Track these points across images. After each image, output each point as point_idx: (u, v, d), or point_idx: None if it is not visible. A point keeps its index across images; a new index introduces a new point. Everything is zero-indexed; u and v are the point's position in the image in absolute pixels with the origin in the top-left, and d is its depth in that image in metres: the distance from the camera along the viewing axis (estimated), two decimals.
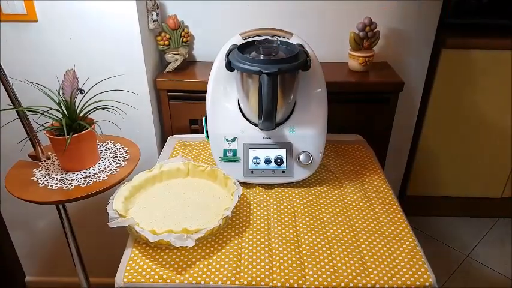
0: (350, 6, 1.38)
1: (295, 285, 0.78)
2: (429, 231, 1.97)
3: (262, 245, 0.87)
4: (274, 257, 0.84)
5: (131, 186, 0.98)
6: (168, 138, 1.32)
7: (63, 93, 1.01)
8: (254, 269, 0.81)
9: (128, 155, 1.12)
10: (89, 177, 1.03)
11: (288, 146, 1.06)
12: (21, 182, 1.02)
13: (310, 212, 0.97)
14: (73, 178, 1.02)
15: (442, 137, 1.81)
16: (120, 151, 1.14)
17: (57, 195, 0.97)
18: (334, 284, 0.78)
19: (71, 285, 1.70)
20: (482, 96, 1.71)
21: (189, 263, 0.82)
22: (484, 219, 2.04)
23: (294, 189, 1.05)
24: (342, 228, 0.92)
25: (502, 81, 1.67)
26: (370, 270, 0.81)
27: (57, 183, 1.01)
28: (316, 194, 1.04)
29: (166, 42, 1.35)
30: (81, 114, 1.03)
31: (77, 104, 1.03)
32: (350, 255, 0.84)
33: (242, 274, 0.80)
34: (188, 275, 0.80)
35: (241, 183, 1.02)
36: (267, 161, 1.05)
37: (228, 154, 1.06)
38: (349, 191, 1.05)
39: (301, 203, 1.00)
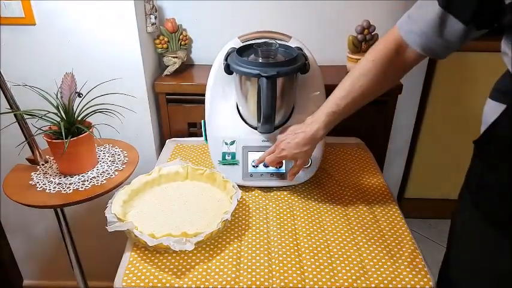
0: (348, 9, 1.38)
1: None
2: (428, 233, 1.97)
3: (262, 248, 0.87)
4: (273, 260, 0.84)
5: (130, 189, 0.98)
6: (167, 141, 1.31)
7: (62, 97, 1.01)
8: (253, 273, 0.81)
9: (127, 159, 1.12)
10: (88, 180, 1.03)
11: None
12: (20, 186, 1.01)
13: (309, 215, 0.97)
14: (71, 182, 1.02)
15: (441, 140, 1.82)
16: (119, 155, 1.14)
17: (55, 199, 0.97)
18: (333, 287, 0.78)
19: None
20: (481, 98, 1.69)
21: (188, 266, 0.82)
22: None
23: (293, 192, 1.05)
24: (342, 231, 0.92)
25: None
26: (370, 273, 0.81)
27: (55, 187, 1.00)
28: (315, 197, 1.04)
29: (165, 46, 1.35)
30: (79, 118, 1.03)
31: (75, 108, 1.02)
32: (350, 258, 0.84)
33: (241, 278, 0.80)
34: (187, 279, 0.79)
35: (240, 186, 1.01)
36: (266, 164, 1.05)
37: (226, 157, 1.06)
38: (348, 193, 1.05)
39: (300, 206, 1.00)
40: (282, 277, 0.80)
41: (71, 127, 1.01)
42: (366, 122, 1.38)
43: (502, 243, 0.68)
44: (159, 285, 0.78)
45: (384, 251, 0.86)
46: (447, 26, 0.69)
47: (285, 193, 1.05)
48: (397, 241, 0.89)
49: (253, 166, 1.05)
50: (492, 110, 0.68)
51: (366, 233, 0.91)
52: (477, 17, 0.65)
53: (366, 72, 0.82)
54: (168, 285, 0.78)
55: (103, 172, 1.06)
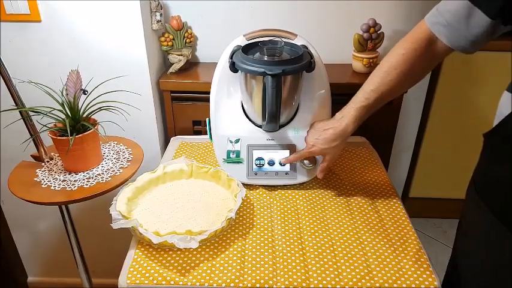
0: (354, 7, 1.38)
1: None
2: (431, 233, 1.96)
3: (266, 247, 0.86)
4: (278, 259, 0.84)
5: (134, 187, 0.98)
6: (171, 139, 1.31)
7: (67, 94, 1.01)
8: (258, 271, 0.80)
9: (131, 156, 1.12)
10: (92, 178, 1.03)
11: (291, 148, 1.05)
12: (24, 183, 1.02)
13: (314, 214, 0.96)
14: (76, 179, 1.02)
15: (445, 139, 1.81)
16: (124, 152, 1.14)
17: (60, 196, 0.97)
18: (338, 286, 0.78)
19: (73, 286, 1.70)
20: (485, 98, 1.71)
21: (192, 264, 0.82)
22: None
23: (298, 191, 1.05)
24: (346, 231, 0.91)
25: (503, 82, 1.66)
26: (374, 273, 0.80)
27: (60, 184, 1.00)
28: (320, 195, 1.03)
29: (170, 43, 1.35)
30: (84, 115, 1.03)
31: (80, 105, 1.03)
32: (354, 258, 0.84)
33: (246, 276, 0.79)
34: (192, 277, 0.79)
35: (244, 184, 1.01)
36: (271, 163, 1.04)
37: (231, 155, 1.06)
38: (353, 192, 1.04)
39: (305, 204, 1.00)
40: (286, 275, 0.79)
41: (76, 124, 1.01)
42: (371, 121, 1.37)
43: (506, 235, 0.67)
44: (163, 282, 0.78)
45: (389, 250, 0.86)
46: (473, 19, 0.69)
47: (290, 192, 1.04)
48: (402, 240, 0.89)
49: (281, 164, 1.05)
50: (508, 102, 0.68)
51: (370, 232, 0.91)
52: (504, 12, 0.65)
53: (396, 65, 0.83)
54: (172, 282, 0.78)
55: (108, 169, 1.06)
